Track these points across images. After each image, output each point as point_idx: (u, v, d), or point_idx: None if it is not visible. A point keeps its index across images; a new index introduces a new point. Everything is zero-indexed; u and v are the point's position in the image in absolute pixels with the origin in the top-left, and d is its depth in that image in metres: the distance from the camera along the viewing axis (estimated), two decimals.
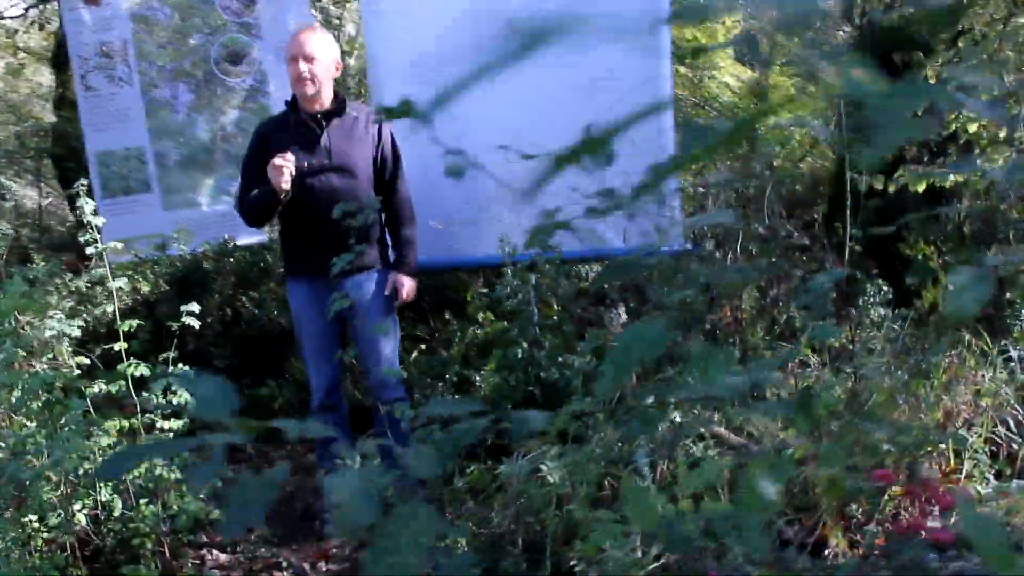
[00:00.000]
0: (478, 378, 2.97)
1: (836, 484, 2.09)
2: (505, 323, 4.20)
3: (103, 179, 4.80)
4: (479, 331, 4.21)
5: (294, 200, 2.99)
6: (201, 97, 4.87)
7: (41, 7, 6.16)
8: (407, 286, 3.07)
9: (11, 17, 7.08)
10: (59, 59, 6.86)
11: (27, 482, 1.98)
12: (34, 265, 4.31)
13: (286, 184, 2.88)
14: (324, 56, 2.99)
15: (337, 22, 6.28)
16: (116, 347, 2.51)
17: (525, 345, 2.91)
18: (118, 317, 2.50)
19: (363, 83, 5.47)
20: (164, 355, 2.66)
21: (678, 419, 2.27)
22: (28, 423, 2.41)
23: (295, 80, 2.99)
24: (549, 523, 2.01)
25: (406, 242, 3.11)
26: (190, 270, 4.55)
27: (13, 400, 2.25)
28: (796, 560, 2.00)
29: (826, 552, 2.16)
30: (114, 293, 2.47)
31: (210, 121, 4.88)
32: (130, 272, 4.77)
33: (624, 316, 4.94)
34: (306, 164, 2.96)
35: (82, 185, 2.64)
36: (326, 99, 3.04)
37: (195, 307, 2.60)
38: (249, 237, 4.85)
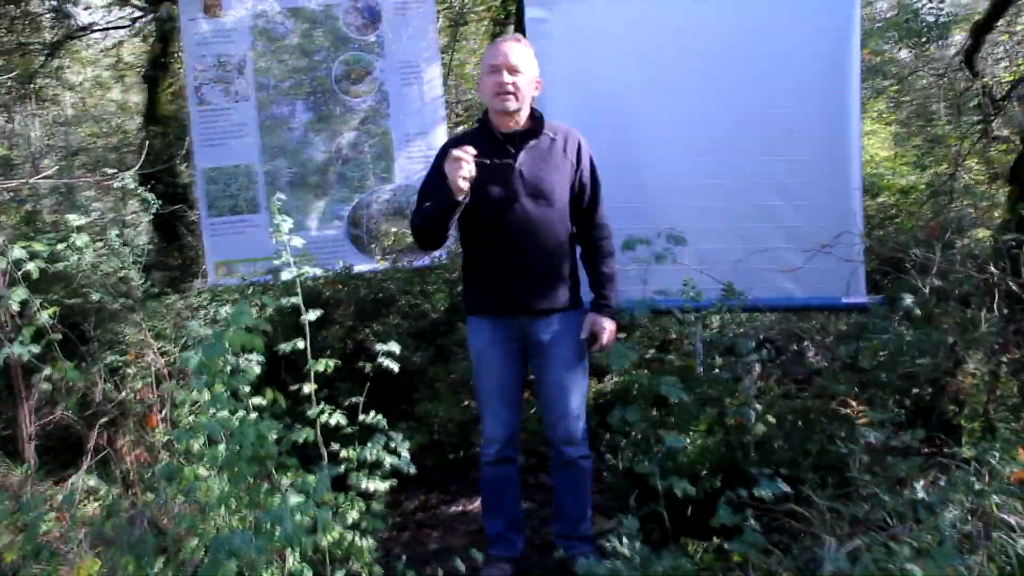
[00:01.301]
0: (687, 440, 2.59)
1: None
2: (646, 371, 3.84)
3: (209, 197, 4.55)
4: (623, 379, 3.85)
5: (482, 229, 2.67)
6: (319, 116, 4.59)
7: (145, 19, 5.97)
8: (608, 330, 2.71)
9: (104, 28, 6.90)
10: (153, 73, 6.66)
11: (247, 556, 1.64)
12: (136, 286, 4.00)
13: (464, 181, 2.53)
14: (528, 70, 2.68)
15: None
16: (306, 389, 2.18)
17: (755, 409, 2.55)
18: (310, 355, 2.17)
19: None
20: (352, 400, 2.33)
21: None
22: (203, 473, 2.08)
23: (494, 93, 2.66)
24: None
25: (606, 279, 2.76)
26: (309, 298, 4.22)
27: (202, 450, 1.92)
28: None
29: None
30: (306, 327, 2.14)
31: (327, 141, 4.60)
32: (236, 298, 4.49)
33: (759, 370, 4.57)
34: (496, 188, 2.63)
35: (279, 199, 2.32)
36: (523, 118, 2.72)
37: (395, 347, 2.26)
38: (364, 264, 4.56)
